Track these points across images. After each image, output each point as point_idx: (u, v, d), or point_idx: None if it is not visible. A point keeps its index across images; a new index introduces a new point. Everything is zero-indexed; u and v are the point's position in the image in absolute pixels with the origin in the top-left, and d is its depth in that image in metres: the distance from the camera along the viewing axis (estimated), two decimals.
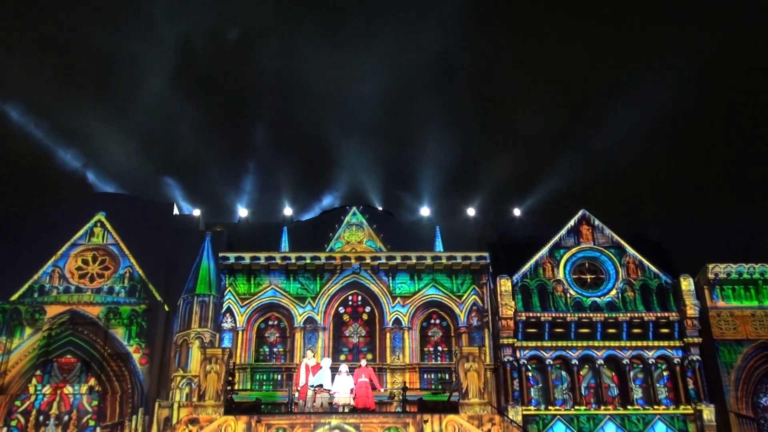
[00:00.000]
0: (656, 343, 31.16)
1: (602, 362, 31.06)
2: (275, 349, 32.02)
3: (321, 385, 25.87)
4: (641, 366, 31.26)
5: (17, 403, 31.28)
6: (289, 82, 72.53)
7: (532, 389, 30.88)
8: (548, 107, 71.48)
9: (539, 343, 31.13)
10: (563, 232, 33.25)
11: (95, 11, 67.03)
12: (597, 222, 33.43)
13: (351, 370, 26.52)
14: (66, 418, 31.11)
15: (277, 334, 32.27)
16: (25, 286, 33.30)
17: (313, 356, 27.66)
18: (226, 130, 68.47)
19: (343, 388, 25.91)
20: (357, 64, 71.44)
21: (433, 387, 30.21)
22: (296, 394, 26.41)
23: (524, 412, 29.65)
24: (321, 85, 71.93)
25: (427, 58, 73.61)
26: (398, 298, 32.22)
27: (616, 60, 71.92)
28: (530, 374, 31.08)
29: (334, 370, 26.67)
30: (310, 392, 25.94)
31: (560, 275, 32.31)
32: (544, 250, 32.72)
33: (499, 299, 31.19)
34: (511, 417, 27.92)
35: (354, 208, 35.51)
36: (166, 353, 32.42)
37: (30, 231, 35.06)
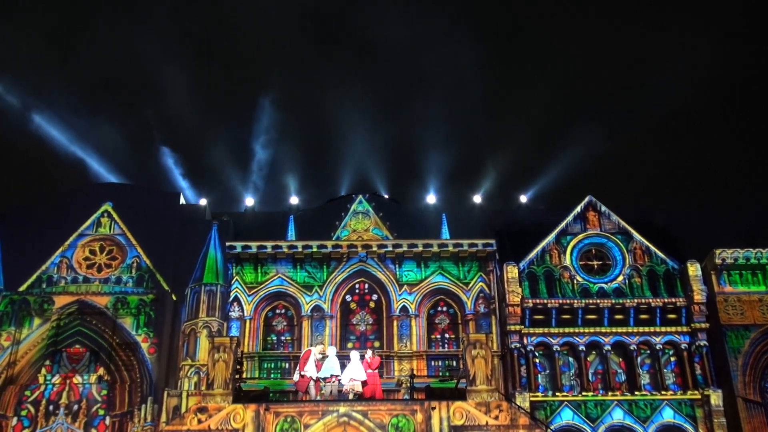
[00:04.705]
0: (663, 329, 31.14)
1: (609, 348, 31.06)
2: (283, 338, 32.08)
3: (336, 376, 25.83)
4: (648, 352, 31.26)
5: (27, 392, 31.49)
6: (294, 70, 72.56)
7: (539, 376, 30.92)
8: (554, 94, 71.38)
9: (546, 330, 31.14)
10: (570, 218, 33.20)
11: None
12: (604, 208, 33.36)
13: (361, 357, 26.47)
14: (75, 407, 31.30)
15: (285, 323, 32.33)
16: (33, 277, 33.44)
17: (320, 351, 27.17)
18: (232, 119, 68.58)
19: (356, 374, 25.87)
20: (362, 56, 71.42)
21: (440, 374, 30.21)
22: (296, 377, 26.24)
23: (532, 399, 29.72)
24: (326, 74, 71.98)
25: (433, 48, 73.53)
26: (405, 286, 32.23)
27: (622, 50, 71.69)
28: (537, 361, 31.11)
29: (343, 357, 26.66)
30: (311, 383, 25.90)
31: (567, 262, 32.29)
32: (551, 237, 32.69)
33: (506, 286, 31.18)
34: (518, 403, 27.94)
35: (360, 196, 35.45)
36: (174, 342, 32.53)
37: (37, 222, 35.17)
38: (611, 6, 71.26)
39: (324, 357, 26.68)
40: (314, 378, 25.90)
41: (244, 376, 28.05)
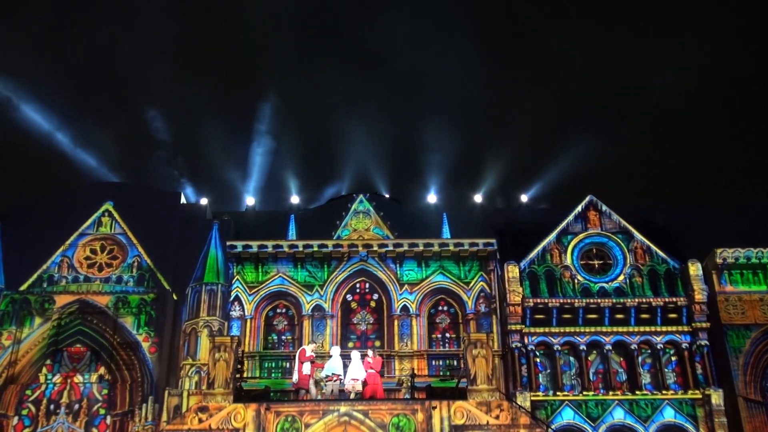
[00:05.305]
0: (664, 328, 31.13)
1: (610, 348, 31.05)
2: (283, 337, 32.08)
3: (338, 375, 25.83)
4: (649, 351, 31.25)
5: (28, 392, 31.49)
6: (295, 70, 72.54)
7: (540, 375, 30.91)
8: (555, 94, 71.39)
9: (547, 329, 31.13)
10: (571, 217, 33.19)
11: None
12: (604, 207, 33.34)
13: (362, 357, 26.45)
14: (76, 406, 31.31)
15: (286, 322, 32.33)
16: (34, 276, 33.42)
17: (313, 349, 27.12)
18: (233, 119, 68.62)
19: (357, 374, 25.86)
20: (363, 56, 71.41)
21: (441, 374, 30.21)
22: (295, 377, 26.24)
23: (533, 398, 29.71)
24: (327, 74, 71.98)
25: (434, 48, 73.51)
26: (406, 285, 32.22)
27: (622, 51, 71.69)
28: (538, 360, 31.10)
29: (345, 357, 26.65)
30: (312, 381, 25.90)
31: (568, 261, 32.27)
32: (552, 236, 32.67)
33: (506, 285, 31.17)
34: (519, 403, 27.92)
35: (361, 196, 35.46)
36: (175, 342, 32.51)
37: (38, 221, 35.12)
38: (612, 8, 71.30)
39: (318, 355, 26.64)
40: (311, 376, 25.89)
41: (244, 375, 28.01)
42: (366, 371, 25.84)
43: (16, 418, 31.03)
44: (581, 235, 32.85)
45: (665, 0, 68.86)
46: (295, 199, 43.72)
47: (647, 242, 32.51)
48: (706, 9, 65.53)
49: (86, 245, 34.63)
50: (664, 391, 30.22)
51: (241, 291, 32.02)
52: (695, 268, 31.33)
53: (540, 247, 32.42)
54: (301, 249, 32.35)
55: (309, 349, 26.50)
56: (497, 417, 24.57)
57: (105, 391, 31.63)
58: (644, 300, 31.25)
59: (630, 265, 32.16)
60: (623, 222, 33.02)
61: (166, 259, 34.26)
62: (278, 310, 32.53)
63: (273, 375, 30.67)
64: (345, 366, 26.19)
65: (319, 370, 26.40)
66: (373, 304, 32.63)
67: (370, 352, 26.91)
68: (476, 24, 72.57)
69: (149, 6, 67.84)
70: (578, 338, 31.05)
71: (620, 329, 31.10)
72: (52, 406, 31.25)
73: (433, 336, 32.08)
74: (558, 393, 30.28)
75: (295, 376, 26.20)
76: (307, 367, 25.99)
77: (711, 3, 65.42)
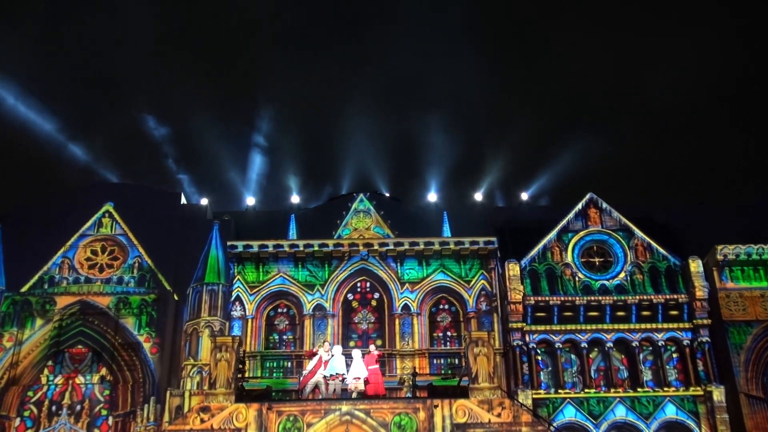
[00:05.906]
0: (665, 326, 31.12)
1: (612, 345, 31.04)
2: (285, 337, 32.09)
3: (342, 375, 25.84)
4: (651, 348, 31.25)
5: (30, 393, 31.50)
6: (294, 69, 72.57)
7: (541, 373, 30.92)
8: (556, 93, 71.37)
9: (548, 327, 31.13)
10: (571, 215, 33.18)
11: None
12: (605, 205, 33.34)
13: (362, 356, 26.46)
14: (78, 407, 31.32)
15: (287, 322, 32.34)
16: (35, 278, 33.43)
17: (326, 350, 27.19)
18: (233, 118, 68.60)
19: (359, 374, 25.87)
20: (364, 55, 71.38)
21: (442, 372, 30.24)
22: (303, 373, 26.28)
23: (534, 396, 29.71)
24: (327, 73, 71.99)
25: (434, 48, 73.53)
26: (407, 284, 32.22)
27: (623, 50, 71.64)
28: (540, 358, 31.10)
29: (346, 356, 26.68)
30: (313, 380, 25.91)
31: (568, 259, 32.27)
32: (552, 234, 32.67)
33: (507, 284, 31.16)
34: (521, 401, 27.93)
35: (361, 195, 35.44)
36: (176, 342, 32.52)
37: (39, 222, 35.15)
38: (612, 8, 71.25)
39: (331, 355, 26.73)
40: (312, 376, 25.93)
41: (246, 375, 28.04)
42: (367, 368, 25.88)
43: (18, 420, 31.04)
44: (582, 233, 32.85)
45: (665, 0, 68.79)
46: (295, 199, 43.70)
47: (648, 239, 32.49)
48: (706, 9, 65.45)
49: (87, 246, 34.65)
50: (665, 388, 30.22)
51: (242, 291, 32.02)
52: (696, 265, 31.32)
53: (541, 245, 32.41)
54: (301, 248, 32.35)
55: (322, 351, 26.46)
56: (499, 415, 24.59)
57: (107, 392, 31.64)
58: (645, 297, 31.24)
59: (631, 263, 32.16)
60: (624, 219, 33.01)
61: (166, 259, 34.29)
62: (279, 310, 32.53)
63: (274, 375, 30.69)
64: (347, 365, 26.21)
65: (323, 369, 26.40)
66: (374, 303, 32.64)
67: (372, 347, 27.01)
68: (476, 24, 72.57)
69: (150, 7, 67.90)
70: (579, 336, 31.05)
71: (621, 326, 31.10)
72: (53, 408, 31.25)
73: (435, 334, 32.08)
74: (559, 391, 30.28)
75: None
76: (309, 367, 26.07)
77: (711, 3, 65.33)
